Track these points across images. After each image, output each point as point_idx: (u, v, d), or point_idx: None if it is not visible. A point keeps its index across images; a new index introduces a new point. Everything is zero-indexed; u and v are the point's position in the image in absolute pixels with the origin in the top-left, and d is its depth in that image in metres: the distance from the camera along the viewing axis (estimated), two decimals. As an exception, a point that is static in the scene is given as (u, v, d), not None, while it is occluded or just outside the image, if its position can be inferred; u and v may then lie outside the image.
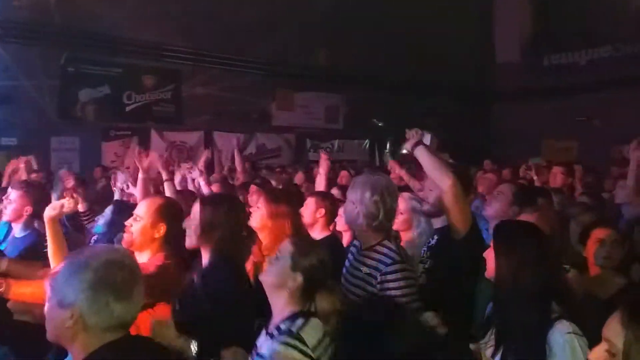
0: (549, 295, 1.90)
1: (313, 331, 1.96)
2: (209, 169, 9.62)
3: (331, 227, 3.63)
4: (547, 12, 15.23)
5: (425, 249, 3.02)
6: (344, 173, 7.62)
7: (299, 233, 3.00)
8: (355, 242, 2.72)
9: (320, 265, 2.09)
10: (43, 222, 2.76)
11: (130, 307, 1.55)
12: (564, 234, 2.66)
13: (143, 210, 2.66)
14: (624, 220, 4.18)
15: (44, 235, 2.78)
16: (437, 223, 3.04)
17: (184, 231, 2.57)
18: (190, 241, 2.48)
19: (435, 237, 3.01)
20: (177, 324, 2.15)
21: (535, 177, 6.09)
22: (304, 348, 1.90)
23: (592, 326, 1.82)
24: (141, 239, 2.60)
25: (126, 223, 2.66)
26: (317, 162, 11.13)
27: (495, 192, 3.60)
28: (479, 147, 12.14)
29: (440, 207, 2.81)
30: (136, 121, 10.48)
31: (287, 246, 2.12)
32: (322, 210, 3.51)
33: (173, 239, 2.65)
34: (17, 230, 3.46)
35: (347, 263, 2.70)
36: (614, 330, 1.24)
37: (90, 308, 1.49)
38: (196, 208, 2.49)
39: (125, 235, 2.65)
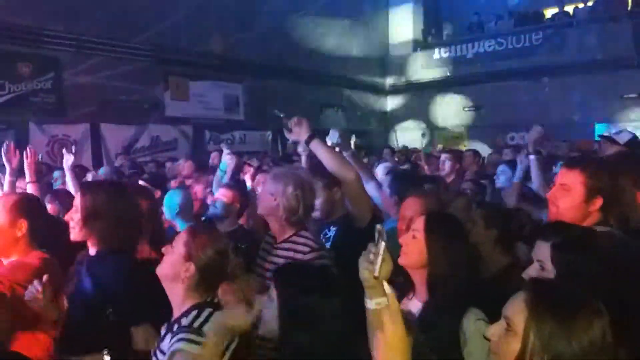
0: (471, 284, 2.01)
1: (216, 325, 1.89)
2: (96, 164, 9.08)
3: (240, 221, 3.69)
4: (438, 8, 16.00)
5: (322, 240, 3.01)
6: (247, 168, 7.51)
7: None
8: (268, 237, 2.72)
9: (218, 256, 1.99)
10: None
11: None
12: None
13: None
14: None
15: None
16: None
17: (53, 225, 2.43)
18: (74, 234, 2.28)
19: (333, 228, 2.99)
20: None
21: (425, 167, 6.32)
22: (207, 341, 1.83)
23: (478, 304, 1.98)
24: (2, 242, 2.39)
25: None
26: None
27: None
28: (378, 137, 12.43)
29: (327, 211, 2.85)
30: (12, 113, 9.46)
31: (182, 235, 2.02)
32: (238, 205, 3.55)
33: (40, 235, 2.45)
34: None
35: (258, 259, 2.68)
36: (516, 308, 1.25)
37: None
38: (77, 198, 2.31)
39: None
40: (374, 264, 1.46)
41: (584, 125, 12.42)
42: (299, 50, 12.79)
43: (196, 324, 1.86)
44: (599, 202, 2.15)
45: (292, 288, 1.82)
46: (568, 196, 2.19)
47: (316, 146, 2.67)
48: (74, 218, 2.28)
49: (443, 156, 5.67)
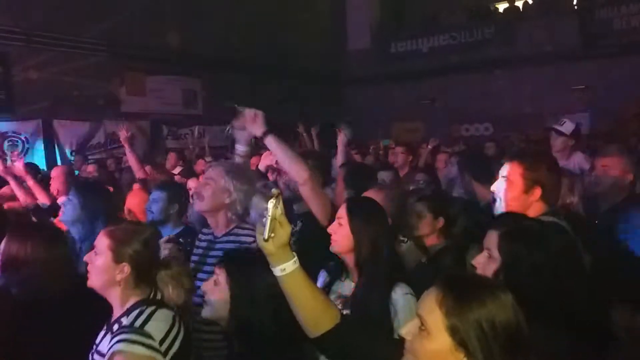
0: (393, 262, 2.16)
1: (159, 323, 1.84)
2: (50, 162, 8.86)
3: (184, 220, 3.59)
4: (394, 2, 16.21)
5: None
6: (200, 161, 7.51)
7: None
8: (205, 234, 2.74)
9: (146, 247, 1.96)
10: None
11: None
12: (401, 209, 2.76)
13: None
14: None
15: None
16: (299, 208, 3.06)
17: None
18: None
19: (299, 222, 3.01)
20: None
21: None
22: (150, 342, 1.78)
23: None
24: None
25: None
26: (175, 150, 10.73)
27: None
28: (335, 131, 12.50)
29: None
30: (-44, 110, 9.15)
31: (102, 240, 1.95)
32: (176, 205, 3.45)
33: None
34: None
35: (195, 257, 2.67)
36: (428, 307, 1.22)
37: None
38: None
39: None
40: (263, 228, 1.43)
41: (535, 116, 12.81)
42: (256, 43, 12.73)
43: (137, 324, 1.82)
44: (537, 192, 2.22)
45: (243, 272, 1.85)
46: (510, 188, 2.26)
47: (270, 142, 2.61)
48: None
49: (397, 149, 5.80)
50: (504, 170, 2.31)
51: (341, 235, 2.15)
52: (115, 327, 1.86)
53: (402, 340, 1.27)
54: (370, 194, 2.73)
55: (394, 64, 15.31)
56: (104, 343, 1.85)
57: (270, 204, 1.40)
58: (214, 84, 12.44)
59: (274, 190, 1.46)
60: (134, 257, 1.92)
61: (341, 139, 4.75)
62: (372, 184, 3.21)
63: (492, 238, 1.83)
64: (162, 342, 1.81)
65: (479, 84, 13.81)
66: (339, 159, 4.77)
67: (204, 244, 2.70)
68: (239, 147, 3.03)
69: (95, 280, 1.93)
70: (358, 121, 15.29)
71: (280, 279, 1.51)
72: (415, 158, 5.85)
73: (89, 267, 1.95)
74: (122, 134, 4.77)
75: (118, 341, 1.76)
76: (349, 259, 2.16)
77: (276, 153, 2.67)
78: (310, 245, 2.66)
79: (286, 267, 1.49)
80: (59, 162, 9.33)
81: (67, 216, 3.06)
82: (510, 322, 1.19)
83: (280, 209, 1.43)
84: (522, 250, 1.75)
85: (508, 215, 2.13)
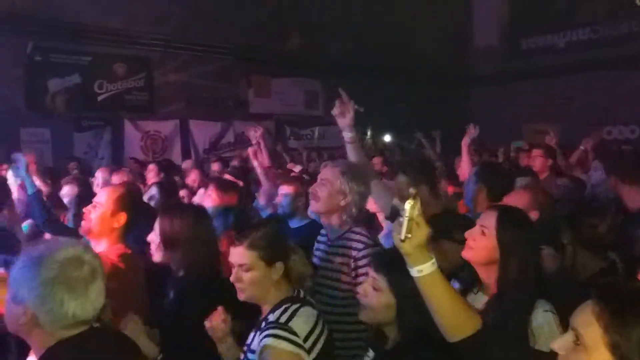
0: (538, 281, 1.94)
1: (303, 320, 1.91)
2: (185, 159, 9.51)
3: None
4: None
5: None
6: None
7: None
8: (322, 236, 2.73)
9: (283, 245, 2.06)
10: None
11: (86, 305, 1.46)
12: (551, 213, 2.59)
13: (103, 198, 2.61)
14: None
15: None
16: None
17: (147, 222, 2.51)
18: (156, 257, 2.42)
19: None
20: None
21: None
22: (295, 338, 1.84)
23: (566, 306, 1.82)
24: (99, 227, 2.56)
25: (84, 210, 2.62)
26: (296, 150, 11.07)
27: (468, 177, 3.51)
28: (460, 132, 12.03)
29: None
30: (108, 111, 10.16)
31: (246, 255, 1.97)
32: (303, 198, 3.59)
33: (133, 230, 2.63)
34: None
35: (316, 259, 2.67)
36: (584, 320, 1.15)
37: (42, 306, 1.42)
38: (157, 221, 2.42)
39: (83, 222, 2.61)
40: (400, 228, 1.42)
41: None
42: (376, 44, 12.60)
43: (283, 319, 1.88)
44: None
45: (406, 278, 1.71)
46: None
47: (348, 136, 2.76)
48: (155, 240, 2.40)
49: (535, 152, 5.37)
50: None
51: (482, 246, 1.95)
52: (263, 324, 1.93)
53: (552, 355, 1.21)
54: (513, 196, 2.62)
55: (524, 60, 14.42)
56: (255, 341, 1.93)
57: (408, 204, 1.40)
58: (334, 86, 12.52)
59: (412, 190, 1.44)
60: (282, 255, 2.02)
61: (466, 140, 4.56)
62: (510, 186, 3.05)
63: None
64: (306, 339, 1.86)
65: (624, 82, 12.49)
66: (464, 161, 4.67)
67: (322, 247, 2.68)
68: (345, 133, 2.93)
69: (249, 292, 1.99)
70: (484, 122, 14.62)
71: (417, 280, 1.49)
72: (555, 162, 5.42)
73: (239, 286, 1.99)
74: (256, 132, 5.06)
75: (266, 336, 1.84)
76: (485, 272, 1.98)
77: (349, 149, 2.76)
78: None
79: (423, 269, 1.47)
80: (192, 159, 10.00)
81: None
82: None
83: (417, 210, 1.42)
84: None
85: None
